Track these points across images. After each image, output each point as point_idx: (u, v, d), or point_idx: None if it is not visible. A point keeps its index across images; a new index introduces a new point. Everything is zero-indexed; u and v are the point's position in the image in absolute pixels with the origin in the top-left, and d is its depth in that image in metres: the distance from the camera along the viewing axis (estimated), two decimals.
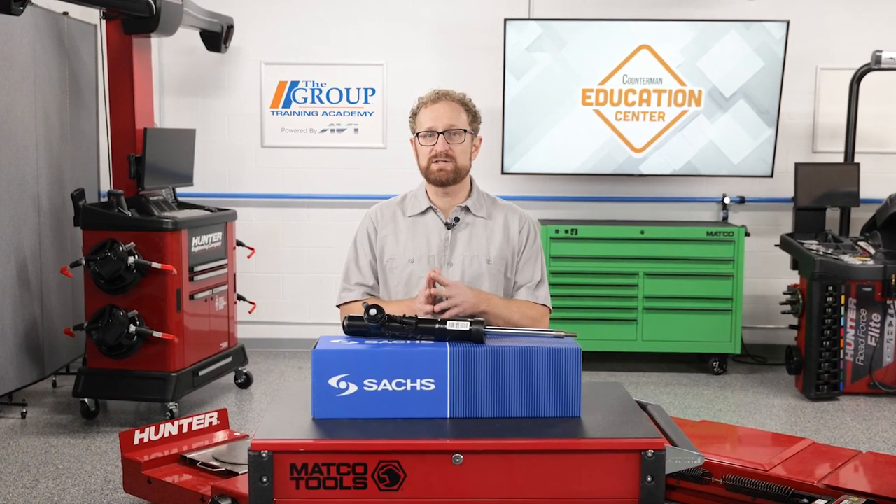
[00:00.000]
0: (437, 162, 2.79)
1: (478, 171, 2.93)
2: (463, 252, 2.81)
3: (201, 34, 5.98)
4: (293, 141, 6.49)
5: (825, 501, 2.99)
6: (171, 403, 4.84)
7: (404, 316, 2.23)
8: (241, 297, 5.68)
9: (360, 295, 2.85)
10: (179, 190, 5.58)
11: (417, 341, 2.20)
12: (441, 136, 2.77)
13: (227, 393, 5.52)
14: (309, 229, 6.54)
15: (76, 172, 5.61)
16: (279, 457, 1.99)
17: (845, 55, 6.17)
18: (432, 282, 2.62)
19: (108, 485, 4.01)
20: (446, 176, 2.80)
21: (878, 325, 5.41)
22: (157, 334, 4.78)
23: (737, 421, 5.03)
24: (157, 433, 3.66)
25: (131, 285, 4.81)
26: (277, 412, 2.30)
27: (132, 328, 4.73)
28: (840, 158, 6.11)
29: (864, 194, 5.97)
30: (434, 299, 2.62)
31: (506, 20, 6.03)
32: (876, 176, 6.21)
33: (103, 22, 5.13)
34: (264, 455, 1.99)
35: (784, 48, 5.98)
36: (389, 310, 2.62)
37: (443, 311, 2.59)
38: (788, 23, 5.97)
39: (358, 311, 2.41)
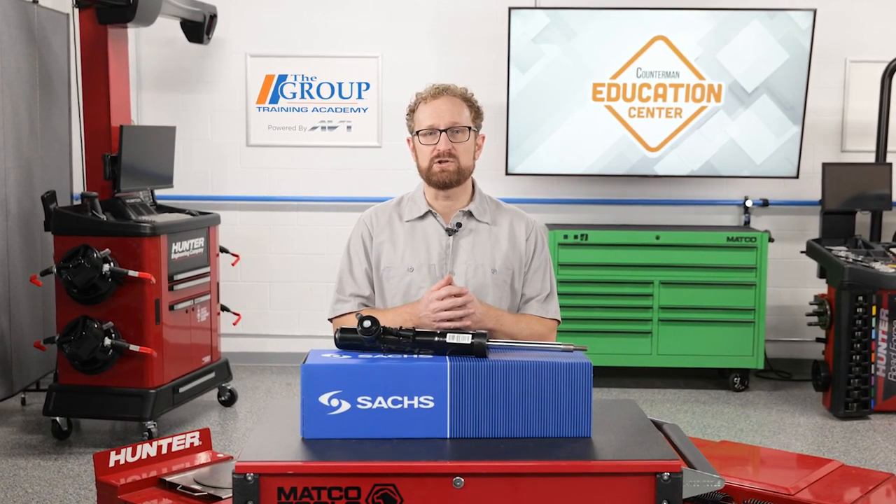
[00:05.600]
0: (439, 162, 2.79)
1: (480, 172, 2.94)
2: (466, 260, 2.81)
3: (182, 24, 6.00)
4: (281, 139, 6.50)
5: None
6: (149, 422, 4.84)
7: (401, 328, 2.23)
8: (224, 308, 5.69)
9: (355, 306, 2.84)
10: (158, 192, 5.59)
11: (415, 355, 2.21)
12: (443, 134, 2.77)
13: (209, 411, 5.52)
14: (298, 234, 6.55)
15: (47, 173, 5.61)
16: (266, 480, 2.00)
17: (877, 47, 6.19)
18: (449, 281, 2.63)
19: None
20: (449, 177, 2.80)
21: None
22: (134, 348, 4.79)
23: (759, 441, 5.04)
24: (133, 454, 3.66)
25: (106, 295, 4.82)
26: (264, 432, 2.31)
27: (107, 341, 4.74)
28: (871, 158, 6.13)
29: None
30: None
31: (510, 9, 6.04)
32: None
33: (76, 11, 5.14)
34: (250, 478, 1.99)
35: (810, 39, 5.99)
36: (388, 317, 2.63)
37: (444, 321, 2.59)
38: (815, 12, 5.98)
39: (352, 323, 2.41)
